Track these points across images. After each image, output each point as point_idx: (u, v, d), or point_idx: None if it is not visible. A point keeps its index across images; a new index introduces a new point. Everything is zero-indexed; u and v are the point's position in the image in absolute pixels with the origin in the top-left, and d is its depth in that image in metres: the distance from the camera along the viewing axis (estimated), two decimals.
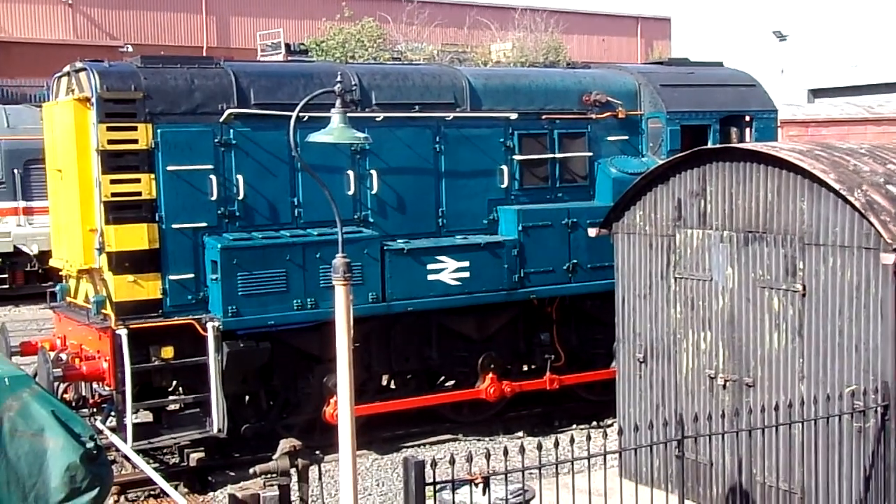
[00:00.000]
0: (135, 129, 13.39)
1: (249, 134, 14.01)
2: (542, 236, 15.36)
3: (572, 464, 9.34)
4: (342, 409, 8.67)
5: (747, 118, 16.82)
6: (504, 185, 15.61)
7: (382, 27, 49.59)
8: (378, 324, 14.68)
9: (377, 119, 14.63)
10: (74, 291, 14.65)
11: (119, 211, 13.31)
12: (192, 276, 13.67)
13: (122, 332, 13.08)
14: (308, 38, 51.11)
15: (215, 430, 13.60)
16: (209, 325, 13.43)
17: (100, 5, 54.09)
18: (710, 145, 16.25)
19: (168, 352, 13.51)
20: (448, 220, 15.27)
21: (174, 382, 14.24)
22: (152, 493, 13.52)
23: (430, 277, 14.66)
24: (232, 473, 14.07)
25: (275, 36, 52.57)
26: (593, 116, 16.25)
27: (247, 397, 14.49)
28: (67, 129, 13.71)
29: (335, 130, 9.02)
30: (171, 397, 14.29)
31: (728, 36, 43.53)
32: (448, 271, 14.74)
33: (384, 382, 15.92)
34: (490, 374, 15.51)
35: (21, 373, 8.48)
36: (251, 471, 10.71)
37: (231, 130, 13.91)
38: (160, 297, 13.55)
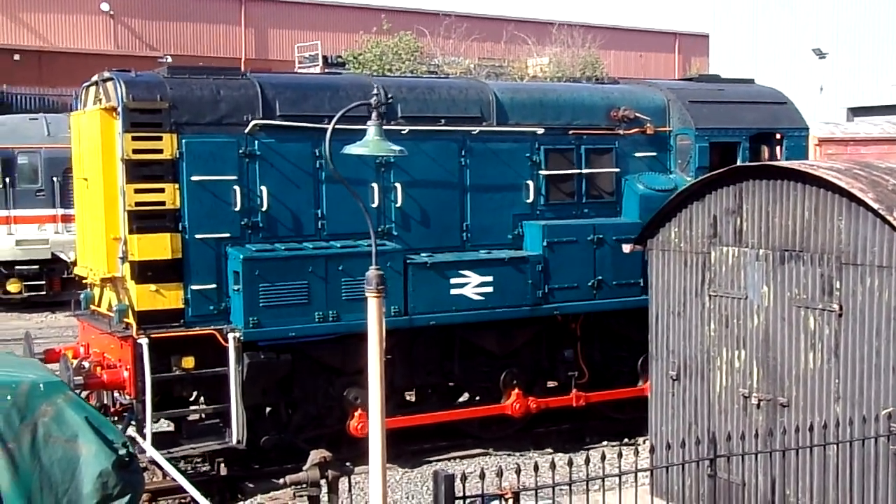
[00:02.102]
0: (160, 138, 13.41)
1: (274, 145, 14.01)
2: (566, 252, 15.24)
3: (603, 481, 9.33)
4: (373, 422, 8.68)
5: (778, 136, 16.63)
6: (530, 200, 15.50)
7: (420, 41, 49.67)
8: (400, 337, 14.60)
9: (403, 132, 14.56)
10: (98, 300, 14.68)
11: (142, 220, 13.33)
12: (214, 286, 13.66)
13: (143, 341, 13.09)
14: (345, 51, 51.29)
15: (234, 442, 13.58)
16: (230, 335, 13.42)
17: (140, 16, 54.59)
18: (739, 163, 16.12)
19: (189, 362, 13.50)
20: (472, 235, 15.19)
21: (195, 393, 14.25)
22: (182, 500, 13.51)
23: (453, 292, 14.58)
24: (251, 485, 14.05)
25: (313, 48, 52.76)
26: (621, 132, 16.13)
27: (267, 409, 14.46)
28: (93, 138, 13.77)
29: (371, 142, 9.12)
30: (191, 407, 14.29)
31: (767, 53, 43.21)
32: (471, 286, 14.65)
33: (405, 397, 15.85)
34: (515, 390, 15.41)
35: (56, 379, 8.63)
36: (282, 481, 10.73)
37: (256, 141, 13.91)
38: (182, 306, 13.54)
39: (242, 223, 13.83)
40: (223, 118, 13.75)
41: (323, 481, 10.63)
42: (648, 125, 16.19)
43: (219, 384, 13.61)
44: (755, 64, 42.47)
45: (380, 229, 14.58)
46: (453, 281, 14.57)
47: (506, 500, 8.85)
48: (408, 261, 14.32)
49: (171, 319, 13.51)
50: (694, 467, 11.42)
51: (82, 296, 14.97)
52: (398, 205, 14.68)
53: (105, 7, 53.90)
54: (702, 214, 11.95)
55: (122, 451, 8.03)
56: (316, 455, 10.75)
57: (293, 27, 56.81)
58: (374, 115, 9.06)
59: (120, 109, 13.29)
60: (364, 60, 48.79)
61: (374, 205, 14.52)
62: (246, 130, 13.80)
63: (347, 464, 11.32)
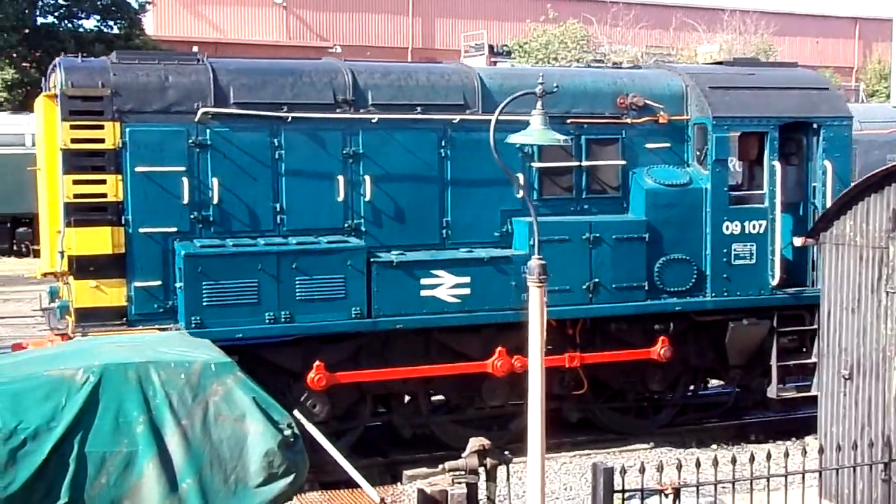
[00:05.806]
0: (101, 127, 12.84)
1: (227, 135, 13.25)
2: (557, 252, 13.81)
3: (768, 481, 9.20)
4: (532, 411, 8.55)
5: (814, 125, 14.79)
6: (520, 195, 14.24)
7: (586, 28, 48.51)
8: (366, 341, 13.66)
9: (372, 121, 13.62)
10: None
11: (81, 213, 12.79)
12: (159, 283, 13.02)
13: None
14: (511, 40, 50.60)
15: None
16: None
17: (311, 7, 55.28)
18: (767, 154, 14.49)
19: None
20: (454, 232, 14.05)
21: None
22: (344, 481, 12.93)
23: (424, 293, 13.50)
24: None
25: (479, 37, 52.21)
26: (629, 121, 14.62)
27: None
28: (40, 126, 13.37)
29: (536, 132, 8.80)
30: None
31: None
32: (445, 287, 13.55)
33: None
34: (499, 348, 14.06)
35: (227, 359, 8.83)
36: (440, 467, 10.65)
37: (207, 130, 13.17)
38: (125, 304, 12.96)
39: (192, 217, 13.14)
40: (171, 106, 13.07)
41: (481, 469, 10.54)
42: (661, 113, 14.63)
43: None
44: None
45: (346, 225, 13.69)
46: (424, 281, 13.50)
47: (666, 495, 8.80)
48: (371, 259, 13.34)
49: (114, 317, 12.95)
50: (867, 471, 10.94)
51: (48, 289, 14.60)
52: (367, 199, 13.69)
53: None
54: (880, 207, 11.27)
55: (288, 432, 8.29)
56: (475, 442, 10.63)
57: (460, 16, 56.38)
58: (538, 104, 8.77)
59: (59, 96, 12.80)
60: (530, 49, 48.06)
61: (340, 198, 13.59)
62: (196, 119, 13.08)
63: (506, 452, 11.06)
